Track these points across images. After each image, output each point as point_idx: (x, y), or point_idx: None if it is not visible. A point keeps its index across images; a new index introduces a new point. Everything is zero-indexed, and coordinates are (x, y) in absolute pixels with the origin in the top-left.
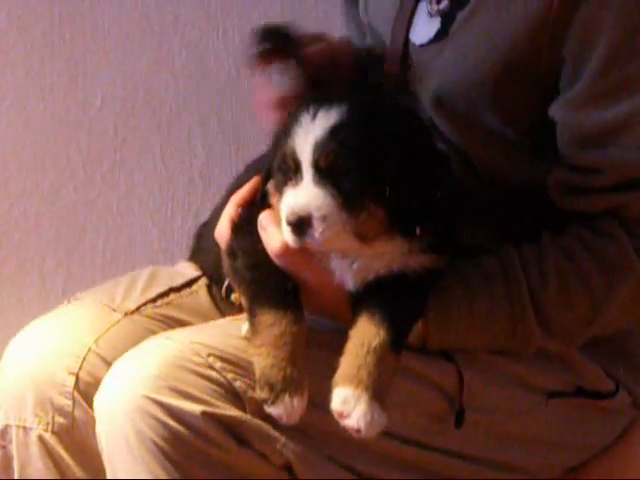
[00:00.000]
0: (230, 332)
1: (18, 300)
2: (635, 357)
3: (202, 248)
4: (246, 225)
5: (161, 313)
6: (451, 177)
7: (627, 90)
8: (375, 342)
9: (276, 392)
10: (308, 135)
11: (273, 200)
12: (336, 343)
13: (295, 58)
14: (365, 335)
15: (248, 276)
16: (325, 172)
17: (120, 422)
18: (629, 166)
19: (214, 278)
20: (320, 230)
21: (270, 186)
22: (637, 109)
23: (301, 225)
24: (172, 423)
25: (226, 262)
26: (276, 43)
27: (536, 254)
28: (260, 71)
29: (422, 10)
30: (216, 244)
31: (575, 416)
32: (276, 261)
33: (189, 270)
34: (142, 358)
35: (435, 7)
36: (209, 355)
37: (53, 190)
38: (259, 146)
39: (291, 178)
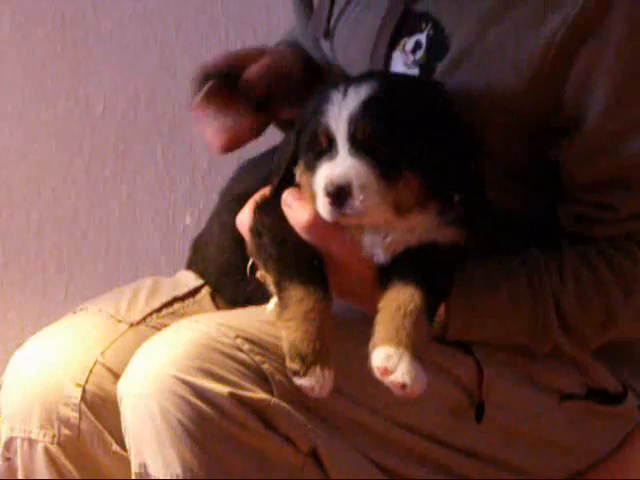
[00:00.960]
0: (258, 316)
1: (20, 306)
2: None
3: (202, 256)
4: (269, 203)
5: (166, 323)
6: (482, 146)
7: (634, 132)
8: (411, 306)
9: (307, 364)
10: (342, 110)
11: (302, 180)
12: (359, 332)
13: (240, 87)
14: (400, 300)
15: (275, 252)
16: (362, 144)
17: (147, 401)
18: (637, 204)
19: (218, 285)
20: (360, 199)
21: (298, 167)
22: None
23: (340, 195)
24: (199, 403)
25: (250, 242)
26: (218, 82)
27: (556, 257)
28: (206, 113)
29: (398, 61)
30: (219, 250)
31: (586, 420)
32: (304, 235)
33: (191, 279)
34: (170, 340)
35: (411, 57)
36: (237, 337)
37: (55, 196)
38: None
39: (323, 154)
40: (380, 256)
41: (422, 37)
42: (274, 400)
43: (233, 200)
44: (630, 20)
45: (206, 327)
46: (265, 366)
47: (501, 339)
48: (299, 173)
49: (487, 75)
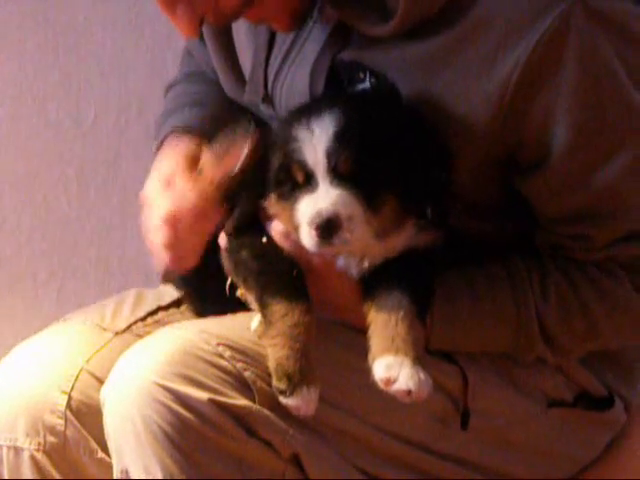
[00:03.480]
0: (240, 324)
1: (11, 313)
2: (624, 361)
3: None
4: (244, 223)
5: (150, 331)
6: (449, 154)
7: (597, 165)
8: (401, 312)
9: (294, 383)
10: (316, 144)
11: (276, 211)
12: (341, 338)
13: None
14: (389, 309)
15: (255, 267)
16: (342, 176)
17: (128, 407)
18: (614, 231)
19: (199, 308)
20: (350, 230)
21: (269, 200)
22: (610, 181)
23: (329, 228)
24: (179, 409)
25: (227, 262)
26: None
27: (539, 268)
28: None
29: None
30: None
31: (573, 426)
32: (283, 243)
33: (175, 290)
34: (151, 347)
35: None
36: (218, 344)
37: (46, 203)
38: None
39: (300, 187)
40: (355, 274)
41: (366, 85)
42: (256, 407)
43: None
44: (582, 57)
45: (188, 334)
46: (247, 373)
47: (484, 349)
48: (271, 205)
49: (446, 115)
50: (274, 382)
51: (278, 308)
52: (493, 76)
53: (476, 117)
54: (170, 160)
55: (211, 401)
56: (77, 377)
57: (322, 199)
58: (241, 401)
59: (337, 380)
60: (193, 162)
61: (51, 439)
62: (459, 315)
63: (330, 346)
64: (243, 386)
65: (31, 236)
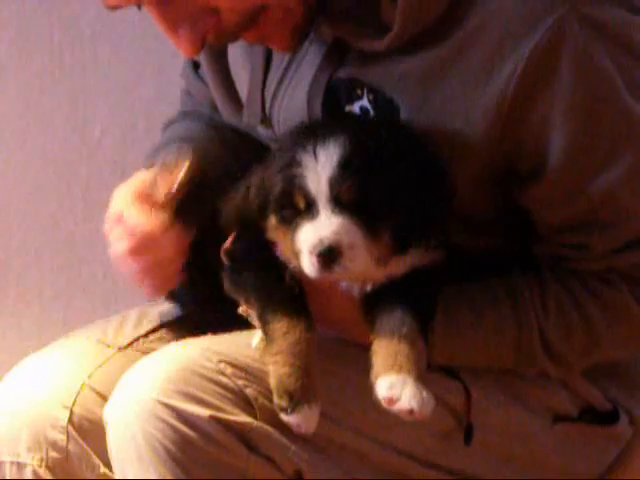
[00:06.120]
0: (242, 341)
1: (18, 331)
2: (629, 375)
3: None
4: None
5: (153, 348)
6: (450, 177)
7: (595, 173)
8: (404, 329)
9: (295, 401)
10: (319, 172)
11: (277, 235)
12: (343, 353)
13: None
14: (392, 326)
15: (256, 284)
16: (344, 204)
17: (130, 425)
18: (613, 240)
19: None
20: (351, 258)
21: (269, 222)
22: (607, 190)
23: (330, 255)
24: (181, 427)
25: (227, 280)
26: None
27: (539, 283)
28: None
29: None
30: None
31: (578, 442)
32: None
33: (178, 307)
34: (153, 364)
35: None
36: (220, 361)
37: (53, 221)
38: None
39: (300, 214)
40: (357, 294)
41: (364, 103)
42: (257, 423)
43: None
44: (577, 66)
45: (190, 351)
46: (248, 390)
47: (486, 363)
48: (270, 230)
49: (444, 129)
50: (275, 399)
51: (279, 326)
52: (489, 87)
53: (474, 129)
54: (120, 196)
55: (213, 418)
56: (79, 392)
57: (323, 227)
58: (243, 418)
59: (339, 396)
60: (144, 193)
61: (53, 454)
62: (460, 330)
63: (332, 362)
64: (244, 403)
65: (37, 255)
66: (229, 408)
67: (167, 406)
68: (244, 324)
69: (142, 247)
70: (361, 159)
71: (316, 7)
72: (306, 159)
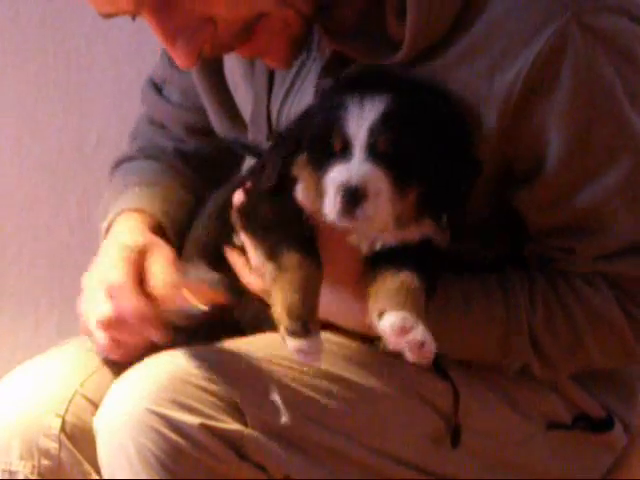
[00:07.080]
0: (230, 349)
1: (13, 342)
2: (623, 382)
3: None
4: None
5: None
6: (478, 170)
7: (587, 180)
8: (414, 284)
9: (307, 327)
10: (362, 119)
11: (303, 174)
12: (332, 357)
13: None
14: (401, 280)
15: (273, 221)
16: (378, 154)
17: (120, 434)
18: (600, 247)
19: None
20: (374, 205)
21: (298, 161)
22: (596, 199)
23: (354, 198)
24: (171, 435)
25: (236, 215)
26: None
27: (528, 278)
28: None
29: None
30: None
31: (571, 449)
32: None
33: None
34: (143, 373)
35: None
36: (210, 369)
37: (48, 230)
38: None
39: (334, 156)
40: (364, 251)
41: None
42: (247, 431)
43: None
44: (578, 74)
45: (180, 360)
46: (238, 398)
47: (474, 354)
48: (299, 167)
49: None
50: (285, 324)
51: (293, 258)
52: (493, 93)
53: (479, 131)
54: (119, 271)
55: (203, 426)
56: (71, 401)
57: (354, 168)
58: (233, 425)
59: (328, 400)
60: (139, 275)
61: (45, 462)
62: (450, 315)
63: (320, 366)
64: (235, 411)
65: (32, 265)
66: (219, 416)
67: (157, 414)
68: (233, 333)
69: (124, 323)
70: (403, 117)
71: (314, 19)
72: (352, 104)
